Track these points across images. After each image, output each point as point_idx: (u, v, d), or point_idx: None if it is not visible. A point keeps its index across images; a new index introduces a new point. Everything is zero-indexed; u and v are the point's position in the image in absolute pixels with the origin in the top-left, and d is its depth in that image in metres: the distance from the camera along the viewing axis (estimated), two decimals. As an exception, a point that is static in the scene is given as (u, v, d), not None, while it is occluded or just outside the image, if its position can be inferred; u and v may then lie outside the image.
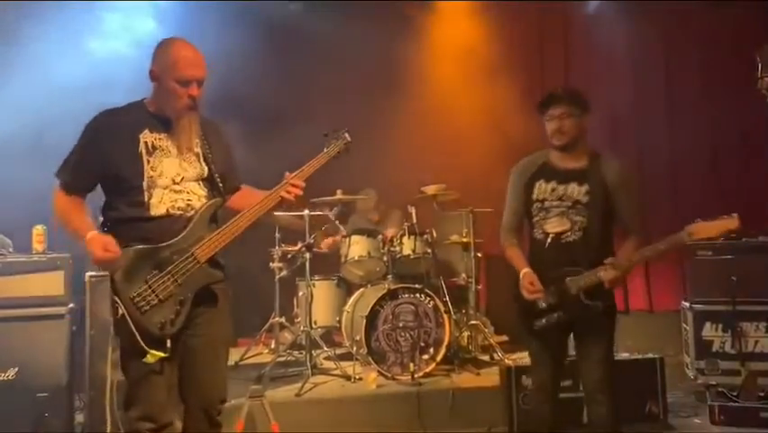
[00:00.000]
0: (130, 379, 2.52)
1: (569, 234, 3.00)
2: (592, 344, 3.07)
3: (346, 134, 2.87)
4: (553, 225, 3.02)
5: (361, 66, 6.73)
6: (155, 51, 2.58)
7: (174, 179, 2.55)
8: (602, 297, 2.96)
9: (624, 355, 4.37)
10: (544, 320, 3.01)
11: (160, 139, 2.56)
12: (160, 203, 2.52)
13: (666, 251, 2.78)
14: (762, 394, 4.12)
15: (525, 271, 3.06)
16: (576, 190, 3.02)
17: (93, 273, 3.98)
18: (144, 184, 2.50)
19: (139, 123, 2.55)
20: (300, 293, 5.56)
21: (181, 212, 2.55)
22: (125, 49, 5.80)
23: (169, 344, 2.44)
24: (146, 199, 2.50)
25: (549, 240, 3.02)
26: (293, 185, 2.64)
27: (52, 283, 3.87)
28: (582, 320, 3.00)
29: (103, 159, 2.51)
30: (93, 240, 2.41)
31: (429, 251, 5.11)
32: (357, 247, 5.16)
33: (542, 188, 3.07)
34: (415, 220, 5.14)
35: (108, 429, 3.74)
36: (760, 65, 2.10)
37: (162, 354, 2.42)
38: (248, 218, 2.59)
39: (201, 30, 5.58)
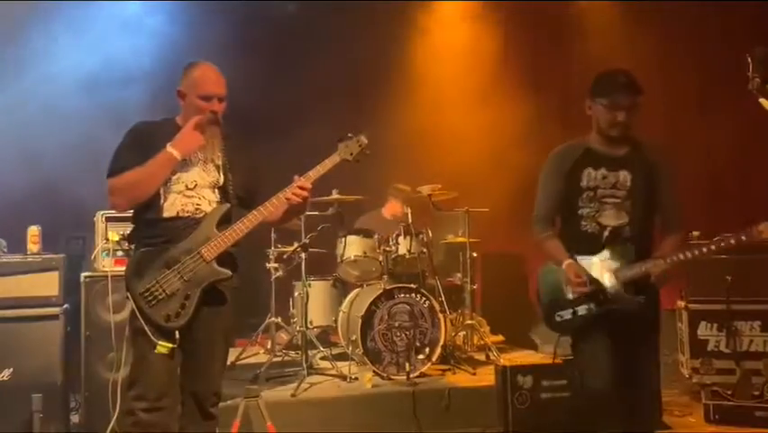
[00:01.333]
0: (133, 362, 2.72)
1: (627, 228, 2.78)
2: (637, 343, 2.83)
3: (362, 137, 2.91)
4: (610, 217, 2.77)
5: (358, 66, 6.75)
6: (183, 73, 2.84)
7: (187, 185, 2.76)
8: (646, 292, 2.74)
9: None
10: (571, 311, 2.79)
11: (203, 149, 2.78)
12: (171, 206, 2.74)
13: (734, 246, 2.55)
14: (756, 393, 4.13)
15: (570, 263, 2.79)
16: (628, 178, 2.79)
17: (88, 274, 3.98)
18: (163, 188, 2.73)
19: (168, 135, 2.76)
20: (296, 293, 5.56)
21: (190, 214, 2.75)
22: (115, 51, 5.77)
23: (177, 335, 2.64)
24: (161, 203, 2.73)
25: (606, 233, 2.77)
26: (300, 187, 2.75)
27: (47, 284, 3.86)
28: (621, 316, 2.75)
29: (140, 157, 2.72)
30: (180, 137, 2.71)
31: (425, 251, 5.11)
32: (353, 247, 5.16)
33: (591, 176, 2.81)
34: (410, 220, 5.14)
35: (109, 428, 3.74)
36: (751, 65, 2.08)
37: (171, 345, 2.62)
38: (251, 220, 2.74)
39: (199, 30, 5.60)
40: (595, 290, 2.76)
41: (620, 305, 2.73)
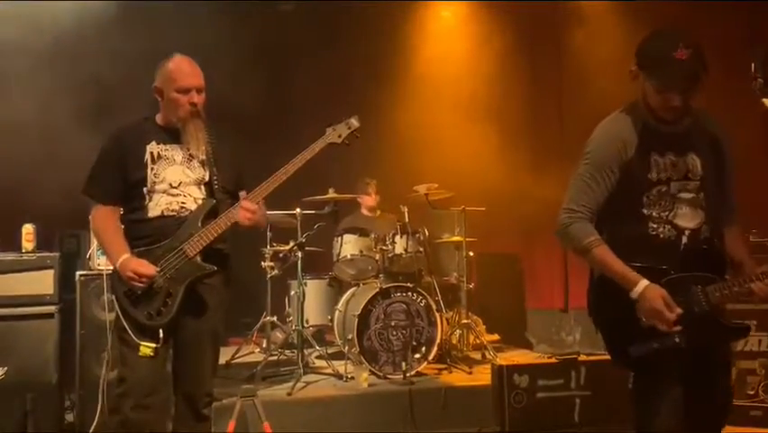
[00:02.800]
0: (120, 361, 2.71)
1: (705, 227, 2.22)
2: (714, 386, 2.27)
3: (352, 120, 2.86)
4: (688, 218, 2.20)
5: (352, 66, 6.74)
6: (158, 70, 2.78)
7: (172, 184, 2.73)
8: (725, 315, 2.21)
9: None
10: (655, 344, 2.13)
11: (165, 149, 2.76)
12: (156, 206, 2.72)
13: None
14: (751, 393, 4.15)
15: (653, 289, 2.11)
16: (698, 163, 2.22)
17: (83, 272, 3.96)
18: (146, 189, 2.71)
19: (147, 135, 2.77)
20: (292, 292, 5.55)
21: (175, 213, 2.72)
22: (114, 50, 5.73)
23: (161, 334, 2.61)
24: (146, 203, 2.71)
25: (685, 239, 2.19)
26: (245, 208, 2.68)
27: (42, 282, 3.84)
28: (706, 353, 2.19)
29: (118, 169, 2.74)
30: (126, 263, 2.62)
31: (421, 249, 5.10)
32: (349, 246, 5.15)
33: (660, 164, 2.20)
34: (407, 219, 5.13)
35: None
36: (753, 66, 2.00)
37: (154, 345, 2.60)
38: (214, 229, 2.68)
39: (192, 30, 5.56)
40: (682, 316, 2.12)
41: (714, 337, 2.16)
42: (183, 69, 2.73)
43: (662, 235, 2.20)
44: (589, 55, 6.94)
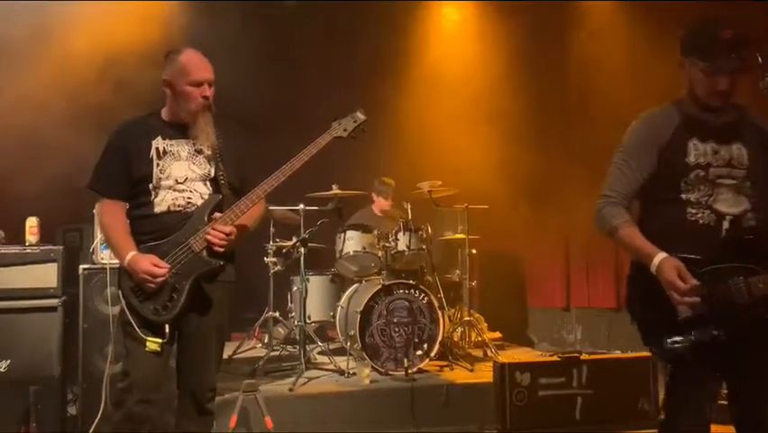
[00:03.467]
0: (124, 355, 2.69)
1: (750, 215, 2.19)
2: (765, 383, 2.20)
3: (358, 113, 2.85)
4: (730, 204, 2.18)
5: (357, 63, 6.73)
6: (166, 63, 2.76)
7: (177, 180, 2.72)
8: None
9: (617, 353, 4.39)
10: (692, 336, 2.09)
11: (171, 145, 2.75)
12: (162, 201, 2.71)
13: None
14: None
15: (665, 258, 2.08)
16: (744, 153, 2.22)
17: (86, 266, 3.97)
18: (152, 185, 2.71)
19: (153, 131, 2.76)
20: (294, 288, 5.56)
21: (181, 209, 2.71)
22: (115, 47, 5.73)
23: (167, 329, 2.62)
24: (152, 198, 2.71)
25: (726, 225, 2.16)
26: (216, 229, 2.64)
27: (45, 275, 3.83)
28: (749, 340, 2.12)
29: (123, 163, 2.73)
30: (136, 262, 2.61)
31: (424, 247, 5.10)
32: (352, 242, 5.15)
33: (699, 149, 2.21)
34: (410, 216, 5.14)
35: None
36: (762, 64, 1.99)
37: (160, 340, 2.60)
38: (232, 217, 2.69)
39: (195, 29, 5.57)
40: (721, 307, 2.07)
41: (756, 331, 2.08)
42: (195, 63, 2.72)
43: (701, 221, 2.17)
44: (595, 55, 6.91)
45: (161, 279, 2.60)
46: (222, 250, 2.66)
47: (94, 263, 3.98)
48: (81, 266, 3.98)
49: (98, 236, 3.93)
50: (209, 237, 2.62)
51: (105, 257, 3.92)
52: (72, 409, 4.06)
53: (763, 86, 1.82)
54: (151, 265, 2.59)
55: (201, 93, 2.70)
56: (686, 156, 2.20)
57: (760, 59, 1.81)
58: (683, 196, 2.20)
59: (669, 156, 2.21)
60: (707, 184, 2.19)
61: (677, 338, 2.10)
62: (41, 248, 3.91)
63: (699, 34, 2.21)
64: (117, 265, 2.75)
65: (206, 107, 2.74)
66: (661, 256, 2.09)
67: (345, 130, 2.82)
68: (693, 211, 2.19)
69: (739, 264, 2.10)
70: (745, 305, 2.07)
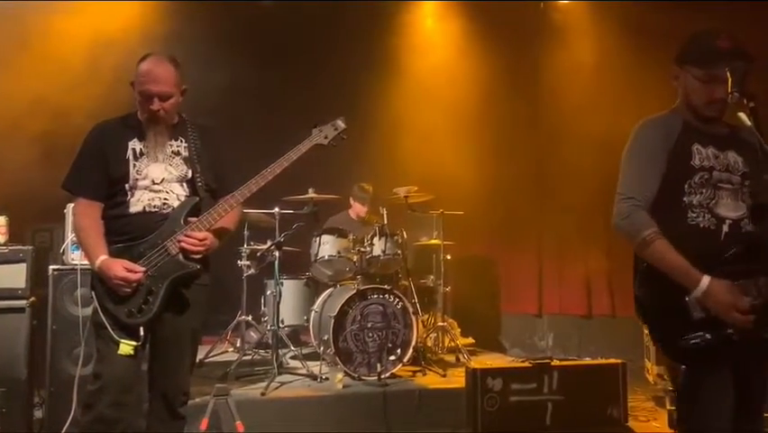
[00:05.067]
0: (96, 357, 2.67)
1: (746, 220, 2.24)
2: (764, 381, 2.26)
3: (339, 121, 2.87)
4: (729, 208, 2.21)
5: (334, 66, 6.73)
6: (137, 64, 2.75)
7: (154, 180, 2.71)
8: None
9: (587, 360, 4.45)
10: (708, 336, 2.11)
11: (147, 147, 2.73)
12: (138, 201, 2.69)
13: None
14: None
15: (716, 282, 2.09)
16: (739, 161, 2.27)
17: (56, 267, 3.91)
18: (128, 185, 2.69)
19: (129, 132, 2.74)
20: (268, 292, 5.53)
21: (157, 209, 2.69)
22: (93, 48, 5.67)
23: (141, 332, 2.59)
24: (128, 199, 2.69)
25: (726, 228, 2.19)
26: (189, 236, 2.64)
27: (14, 276, 3.76)
28: (757, 346, 2.16)
29: (100, 164, 2.71)
30: (109, 266, 2.58)
31: (399, 252, 5.12)
32: (327, 247, 5.15)
33: (702, 153, 2.24)
34: (386, 221, 5.15)
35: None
36: (730, 81, 2.01)
37: (134, 343, 2.57)
38: (209, 220, 2.70)
39: (170, 30, 5.53)
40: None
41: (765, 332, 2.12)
42: (150, 74, 2.67)
43: (702, 225, 2.20)
44: (566, 60, 7.00)
45: (136, 283, 2.57)
46: (197, 255, 2.64)
47: (64, 264, 3.92)
48: (51, 267, 3.91)
49: (69, 237, 3.88)
50: (183, 244, 2.62)
51: (76, 258, 3.86)
52: (39, 413, 3.98)
53: (732, 100, 1.87)
54: (125, 270, 2.56)
55: (148, 105, 2.67)
56: (691, 159, 2.22)
57: (728, 76, 1.86)
58: (685, 199, 2.22)
59: (675, 159, 2.23)
60: (709, 187, 2.21)
61: (694, 339, 2.10)
62: (10, 248, 3.84)
63: (696, 44, 2.22)
64: (89, 266, 2.71)
65: (154, 120, 2.70)
66: (707, 279, 2.09)
67: (326, 138, 2.84)
68: (693, 215, 2.21)
69: (748, 267, 2.12)
70: (757, 305, 2.07)
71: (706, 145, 2.24)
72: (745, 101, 1.85)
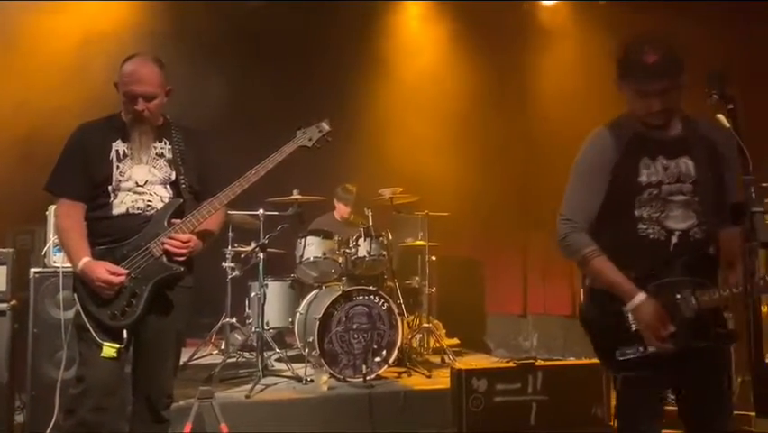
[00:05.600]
0: (79, 361, 2.66)
1: (696, 229, 2.23)
2: (712, 389, 2.26)
3: (323, 123, 2.87)
4: (678, 220, 2.22)
5: (319, 67, 6.72)
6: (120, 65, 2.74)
7: (138, 182, 2.70)
8: (721, 323, 2.22)
9: (571, 360, 4.48)
10: (642, 348, 2.17)
11: (131, 148, 2.72)
12: (121, 203, 2.68)
13: None
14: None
15: (648, 303, 2.16)
16: (691, 167, 2.24)
17: (38, 269, 3.86)
18: (111, 187, 2.68)
19: (113, 133, 2.73)
20: (252, 294, 5.51)
21: (140, 211, 2.68)
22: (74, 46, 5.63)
23: (125, 335, 2.57)
24: (111, 200, 2.68)
25: (675, 240, 2.22)
26: (173, 238, 2.63)
27: (-6, 278, 3.73)
28: (695, 354, 2.18)
29: (83, 165, 2.70)
30: (91, 268, 2.56)
31: (384, 253, 5.12)
32: (312, 248, 5.14)
33: (651, 168, 2.23)
34: (371, 222, 5.15)
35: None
36: (708, 83, 1.96)
37: (117, 346, 2.55)
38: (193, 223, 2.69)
39: (156, 31, 5.50)
40: (674, 323, 2.15)
41: (705, 342, 2.16)
42: (135, 74, 2.66)
43: (651, 236, 2.23)
44: (551, 60, 7.04)
45: (119, 286, 2.56)
46: (181, 258, 2.63)
47: (46, 267, 3.87)
48: (32, 269, 3.87)
49: (51, 239, 3.84)
50: (166, 247, 2.61)
51: (58, 260, 3.82)
52: (20, 418, 3.94)
53: (711, 102, 1.89)
54: (107, 273, 2.55)
55: (132, 106, 2.67)
56: (638, 176, 2.24)
57: (708, 80, 1.88)
58: (636, 212, 2.24)
59: (621, 176, 2.25)
60: (659, 201, 2.23)
61: (628, 350, 2.19)
62: (-10, 250, 3.80)
63: (626, 59, 2.21)
64: (71, 269, 2.69)
65: (138, 121, 2.70)
66: (641, 297, 2.16)
67: (310, 139, 2.85)
68: (644, 227, 2.24)
69: (688, 278, 2.17)
70: (692, 317, 2.14)
71: (655, 157, 2.25)
72: (724, 102, 1.88)
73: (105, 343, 2.54)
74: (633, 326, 2.19)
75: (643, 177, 2.24)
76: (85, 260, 2.58)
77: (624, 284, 2.19)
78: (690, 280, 2.18)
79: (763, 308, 3.88)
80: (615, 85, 2.27)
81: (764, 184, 2.77)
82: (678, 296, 2.16)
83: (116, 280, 2.55)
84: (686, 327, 2.14)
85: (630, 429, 2.31)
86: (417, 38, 7.35)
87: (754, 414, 3.79)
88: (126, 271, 2.58)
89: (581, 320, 2.38)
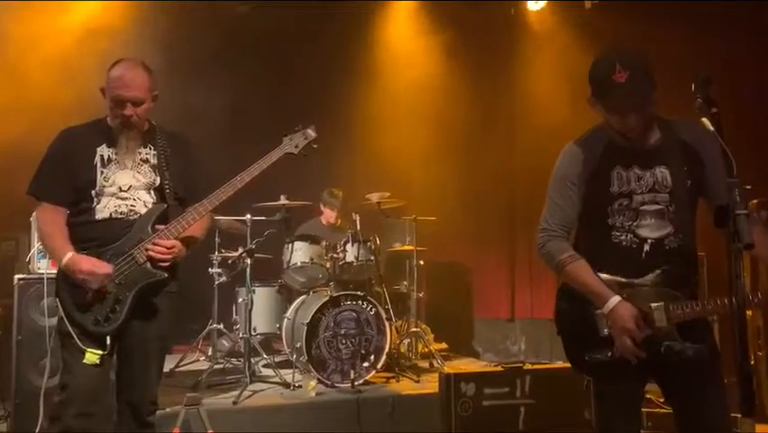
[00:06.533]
0: (62, 367, 2.63)
1: (672, 238, 2.24)
2: (700, 384, 2.22)
3: (309, 130, 2.88)
4: (652, 228, 2.24)
5: (306, 72, 6.72)
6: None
7: (121, 187, 2.69)
8: (701, 335, 2.20)
9: (559, 364, 4.49)
10: (612, 353, 2.19)
11: (116, 153, 2.71)
12: (104, 208, 2.67)
13: None
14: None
15: (622, 305, 2.16)
16: (667, 176, 2.24)
17: (22, 276, 3.82)
18: (94, 192, 2.66)
19: (98, 138, 2.72)
20: (240, 299, 5.48)
21: (123, 216, 2.67)
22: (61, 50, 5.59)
23: (108, 341, 2.56)
24: (93, 205, 2.66)
25: (647, 247, 2.23)
26: (157, 244, 2.63)
27: (-23, 286, 3.69)
28: (672, 365, 2.20)
29: (66, 169, 2.68)
30: (76, 262, 2.55)
31: (372, 258, 5.11)
32: (300, 254, 5.12)
33: (623, 178, 2.25)
34: (359, 227, 5.14)
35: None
36: (694, 87, 1.91)
37: (101, 352, 2.54)
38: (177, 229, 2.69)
39: (148, 33, 5.48)
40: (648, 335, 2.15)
41: (674, 355, 2.15)
42: (122, 79, 2.66)
43: (624, 243, 2.26)
44: (539, 63, 7.06)
45: (104, 277, 2.53)
46: (165, 264, 2.62)
47: (30, 273, 3.84)
48: (16, 276, 3.84)
49: (35, 245, 3.80)
50: (150, 253, 2.60)
51: (43, 267, 3.78)
52: (4, 426, 3.89)
53: (697, 106, 1.91)
54: (92, 265, 2.53)
55: (120, 111, 2.66)
56: (610, 186, 2.26)
57: (693, 84, 1.90)
58: (609, 220, 2.28)
59: (594, 185, 2.28)
60: (631, 211, 2.26)
61: (597, 355, 2.22)
62: (-27, 257, 3.76)
63: (595, 77, 2.22)
64: (55, 275, 2.67)
65: (126, 126, 2.69)
66: (616, 300, 2.17)
67: (297, 147, 2.85)
68: (617, 234, 2.27)
69: (662, 288, 2.19)
70: (662, 328, 2.15)
71: (628, 167, 2.26)
72: (708, 106, 1.89)
73: (88, 349, 2.52)
74: (603, 330, 2.22)
75: (614, 187, 2.27)
76: (69, 254, 2.57)
77: (598, 287, 2.21)
78: (664, 291, 2.19)
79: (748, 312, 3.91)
80: (588, 102, 2.28)
81: (749, 186, 2.79)
82: (651, 305, 2.17)
83: (101, 271, 2.53)
84: (655, 337, 2.16)
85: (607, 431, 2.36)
86: (404, 43, 7.37)
87: (739, 415, 3.81)
88: (111, 265, 2.56)
89: (555, 321, 2.41)
